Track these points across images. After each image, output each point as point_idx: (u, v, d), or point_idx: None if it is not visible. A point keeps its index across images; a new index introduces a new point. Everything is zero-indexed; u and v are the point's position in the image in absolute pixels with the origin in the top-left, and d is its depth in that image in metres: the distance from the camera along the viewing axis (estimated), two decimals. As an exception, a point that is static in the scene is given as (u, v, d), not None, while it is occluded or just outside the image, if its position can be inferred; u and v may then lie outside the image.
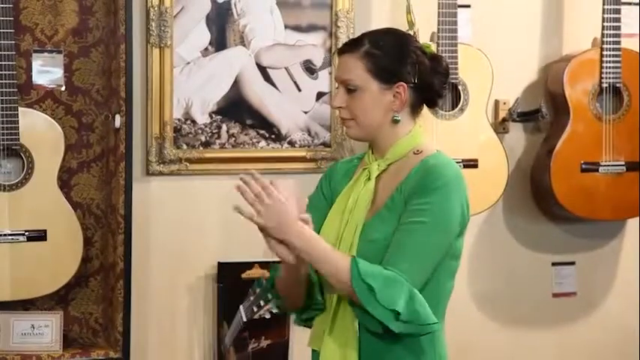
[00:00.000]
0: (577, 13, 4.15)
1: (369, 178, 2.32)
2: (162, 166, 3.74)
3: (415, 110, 2.35)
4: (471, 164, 3.88)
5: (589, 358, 4.27)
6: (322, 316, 2.34)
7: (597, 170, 4.02)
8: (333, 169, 2.46)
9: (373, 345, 2.25)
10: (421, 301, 2.17)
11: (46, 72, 3.58)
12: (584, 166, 4.02)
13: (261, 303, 3.78)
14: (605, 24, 3.96)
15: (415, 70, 2.30)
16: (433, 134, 3.75)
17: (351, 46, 2.31)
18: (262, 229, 2.17)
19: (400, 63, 2.29)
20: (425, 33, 3.81)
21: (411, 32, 2.38)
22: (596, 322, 4.27)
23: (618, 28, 3.97)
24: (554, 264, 4.24)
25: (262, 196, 2.14)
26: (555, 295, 4.25)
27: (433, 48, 2.37)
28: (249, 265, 3.79)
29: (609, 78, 3.99)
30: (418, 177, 2.25)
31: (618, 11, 3.96)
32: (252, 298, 3.78)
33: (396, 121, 2.31)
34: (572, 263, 4.26)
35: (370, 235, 2.26)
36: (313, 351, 2.38)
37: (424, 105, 2.37)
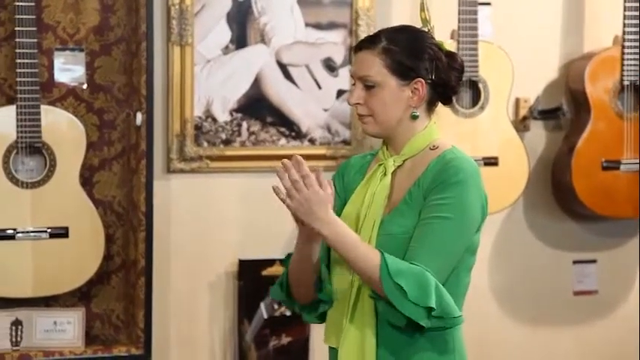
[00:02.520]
0: (598, 10, 4.13)
1: (384, 174, 2.33)
2: (183, 163, 3.76)
3: (431, 107, 2.35)
4: (491, 162, 3.88)
5: (610, 356, 4.26)
6: (337, 311, 2.34)
7: (618, 168, 4.01)
8: (346, 165, 2.47)
9: (394, 338, 2.25)
10: (447, 296, 2.18)
11: (68, 70, 3.60)
12: (605, 164, 4.00)
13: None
14: (626, 21, 3.94)
15: (432, 66, 2.30)
16: (453, 132, 3.75)
17: (369, 42, 2.32)
18: (292, 213, 2.19)
19: (418, 59, 2.29)
20: (445, 30, 3.81)
21: (426, 29, 2.37)
22: (617, 321, 4.25)
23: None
24: (575, 262, 4.23)
25: (299, 185, 2.16)
26: (576, 293, 4.24)
27: (448, 45, 2.37)
28: (269, 263, 3.80)
29: (630, 76, 3.97)
30: (436, 172, 2.26)
31: (640, 9, 3.95)
32: (272, 296, 3.80)
33: (414, 117, 2.31)
34: (594, 261, 4.25)
35: (389, 230, 2.27)
36: (330, 347, 2.38)
37: (439, 102, 2.37)
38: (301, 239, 2.28)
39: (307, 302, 2.38)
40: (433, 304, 2.15)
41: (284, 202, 2.18)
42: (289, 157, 2.22)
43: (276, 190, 2.18)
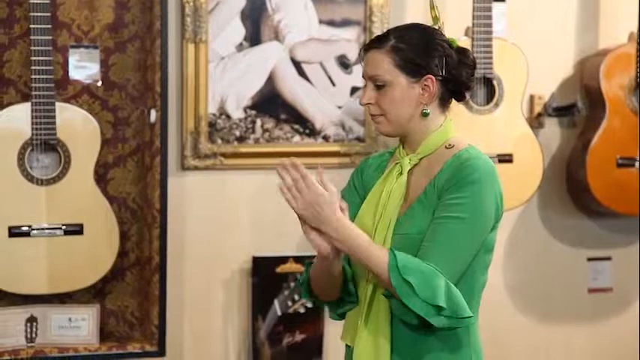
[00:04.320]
0: (613, 6, 4.12)
1: (400, 173, 2.33)
2: (197, 160, 3.76)
3: (444, 104, 2.35)
4: (505, 159, 3.87)
5: (624, 354, 4.25)
6: (354, 310, 2.34)
7: (633, 165, 4.00)
8: (364, 163, 2.47)
9: (407, 337, 2.26)
10: (458, 295, 2.18)
11: (83, 67, 3.61)
12: (620, 161, 3.99)
13: (296, 297, 3.81)
14: (642, 18, 3.93)
15: (442, 63, 2.30)
16: (467, 129, 3.74)
17: (378, 42, 2.33)
18: (299, 215, 2.19)
19: (427, 56, 2.30)
20: (459, 27, 3.81)
21: (437, 27, 2.37)
22: (632, 318, 4.24)
23: (655, 21, 3.94)
24: (589, 259, 4.22)
25: (299, 184, 2.16)
26: (591, 291, 4.23)
27: (460, 42, 2.37)
28: (283, 260, 3.80)
29: (646, 72, 3.96)
30: (451, 171, 2.26)
31: (655, 5, 3.93)
32: (286, 293, 3.82)
33: (425, 115, 2.31)
34: (608, 258, 4.24)
35: (404, 229, 2.26)
36: (347, 345, 2.39)
37: (453, 98, 2.37)
38: (321, 259, 2.27)
39: (331, 300, 2.38)
40: (442, 303, 2.15)
41: (289, 204, 2.18)
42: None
43: (282, 189, 2.19)
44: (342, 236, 2.19)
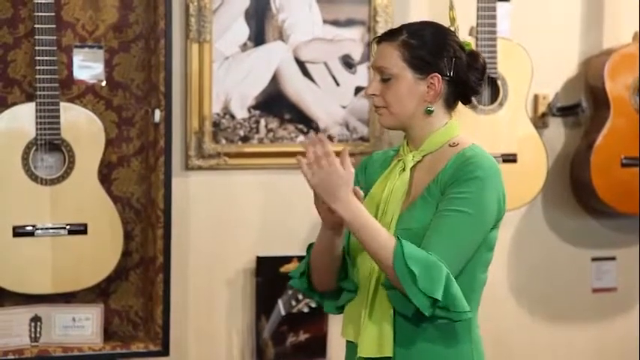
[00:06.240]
0: (617, 6, 4.12)
1: (403, 169, 2.34)
2: (201, 160, 3.76)
3: (450, 104, 2.36)
4: (510, 159, 3.87)
5: (629, 353, 4.24)
6: (355, 304, 2.34)
7: (638, 165, 3.99)
8: (368, 159, 2.49)
9: (408, 329, 2.27)
10: (457, 289, 2.19)
11: (87, 67, 3.61)
12: (624, 160, 3.99)
13: (300, 297, 3.81)
14: (646, 17, 3.93)
15: (451, 64, 2.31)
16: (472, 129, 3.74)
17: (390, 35, 2.35)
18: (313, 189, 2.20)
19: (437, 54, 2.31)
20: (464, 27, 3.80)
21: (452, 28, 2.38)
22: (636, 318, 4.24)
23: (659, 21, 3.94)
24: (594, 259, 4.22)
25: (320, 160, 2.16)
26: (595, 291, 4.23)
27: (473, 46, 2.38)
28: (287, 260, 3.80)
29: (650, 72, 3.96)
30: (455, 167, 2.27)
31: (659, 4, 3.92)
32: (290, 292, 3.82)
33: (429, 112, 2.32)
34: (613, 258, 4.23)
35: (405, 224, 2.28)
36: (347, 341, 2.39)
37: (459, 101, 2.37)
38: (324, 230, 2.29)
39: (328, 290, 2.38)
40: (439, 297, 2.15)
41: (305, 176, 2.19)
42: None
43: (299, 160, 2.19)
44: (352, 215, 2.19)
